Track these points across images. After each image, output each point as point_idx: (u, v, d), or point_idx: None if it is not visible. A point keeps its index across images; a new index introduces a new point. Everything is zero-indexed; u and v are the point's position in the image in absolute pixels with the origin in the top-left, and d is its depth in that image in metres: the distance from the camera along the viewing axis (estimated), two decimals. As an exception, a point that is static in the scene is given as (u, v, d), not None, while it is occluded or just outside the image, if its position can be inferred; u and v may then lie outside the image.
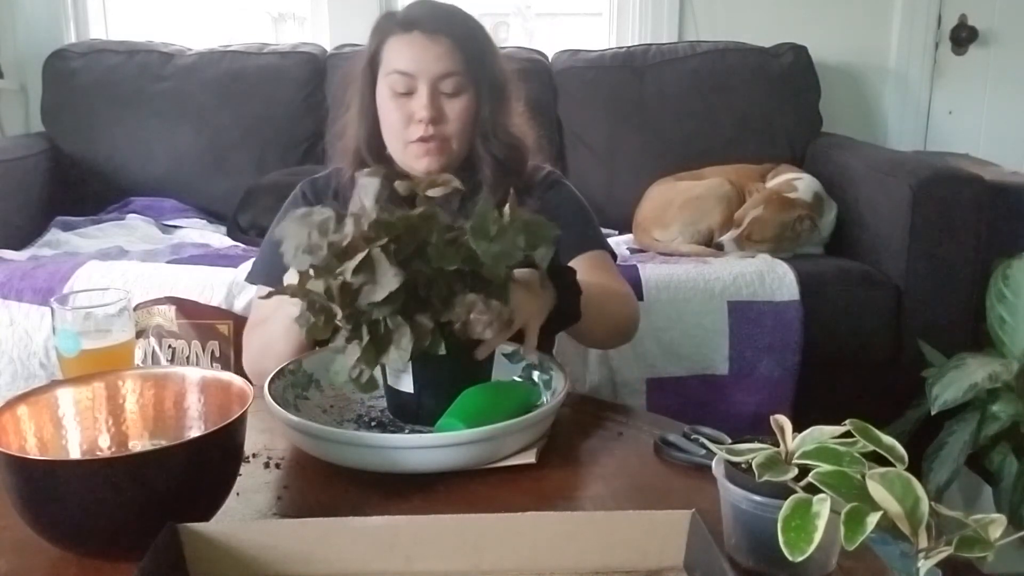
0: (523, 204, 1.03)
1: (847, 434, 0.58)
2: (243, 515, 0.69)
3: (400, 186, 0.81)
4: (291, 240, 0.75)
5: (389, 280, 0.71)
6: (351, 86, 1.10)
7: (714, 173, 1.98)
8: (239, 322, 1.44)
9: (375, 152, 1.08)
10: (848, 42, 2.34)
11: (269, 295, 0.79)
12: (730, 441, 0.68)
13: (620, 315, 1.07)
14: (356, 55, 1.11)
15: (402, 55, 1.03)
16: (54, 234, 1.91)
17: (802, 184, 1.87)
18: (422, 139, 1.03)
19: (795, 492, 0.54)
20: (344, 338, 0.75)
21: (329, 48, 2.24)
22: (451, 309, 0.75)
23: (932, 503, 0.52)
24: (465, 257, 0.75)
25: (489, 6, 2.54)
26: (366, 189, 0.76)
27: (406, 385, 0.81)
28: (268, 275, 1.05)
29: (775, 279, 1.60)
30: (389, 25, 1.06)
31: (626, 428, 0.87)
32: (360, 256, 0.71)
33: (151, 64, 2.15)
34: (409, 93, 1.03)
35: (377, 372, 0.80)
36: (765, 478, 0.57)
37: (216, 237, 1.92)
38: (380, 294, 0.71)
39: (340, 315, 0.73)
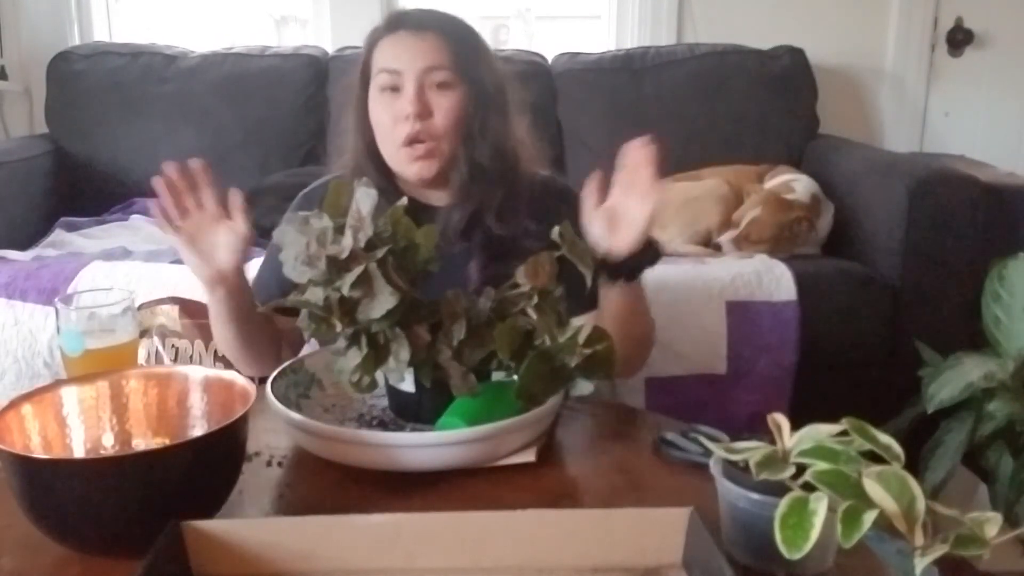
0: (521, 211, 1.03)
1: (844, 433, 0.58)
2: (246, 513, 0.70)
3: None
4: (290, 249, 0.75)
5: (386, 298, 0.71)
6: (347, 100, 1.08)
7: (712, 174, 1.98)
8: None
9: (375, 164, 1.05)
10: (845, 44, 2.34)
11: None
12: (728, 440, 0.69)
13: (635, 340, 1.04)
14: (351, 67, 1.10)
15: (388, 52, 1.02)
16: (58, 235, 1.92)
17: (800, 185, 1.88)
18: (411, 139, 1.01)
19: (792, 490, 0.55)
20: (344, 344, 0.76)
21: (331, 50, 2.25)
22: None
23: (928, 501, 0.52)
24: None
25: (489, 9, 2.55)
26: (363, 200, 0.76)
27: (407, 385, 0.81)
28: (261, 292, 1.07)
29: (772, 279, 1.61)
30: (377, 31, 1.05)
31: (625, 427, 0.87)
32: (358, 271, 0.72)
33: (154, 66, 2.15)
34: (396, 90, 1.01)
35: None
36: (762, 476, 0.57)
37: (218, 238, 1.92)
38: (378, 311, 0.72)
39: (339, 327, 0.74)
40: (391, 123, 1.02)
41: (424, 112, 1.00)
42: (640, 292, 0.98)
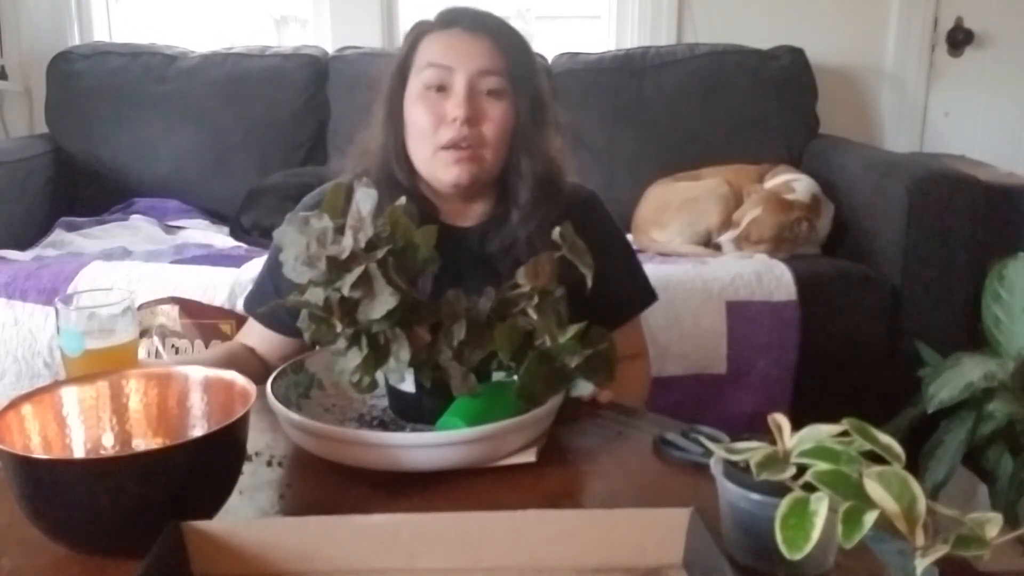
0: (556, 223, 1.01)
1: (844, 433, 0.58)
2: (246, 513, 0.70)
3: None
4: (290, 249, 0.75)
5: (387, 298, 0.71)
6: (377, 95, 1.00)
7: (712, 174, 1.99)
8: (242, 321, 1.44)
9: (402, 165, 0.99)
10: (845, 44, 2.34)
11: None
12: (728, 440, 0.69)
13: (634, 394, 1.04)
14: (382, 61, 1.03)
15: (439, 47, 0.95)
16: (58, 235, 1.92)
17: (800, 185, 1.88)
18: (455, 144, 0.93)
19: (793, 491, 0.55)
20: (344, 345, 0.76)
21: (331, 50, 2.25)
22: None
23: (929, 501, 0.52)
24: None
25: (489, 9, 2.55)
26: (363, 200, 0.75)
27: (407, 385, 0.81)
28: (258, 302, 1.06)
29: (772, 279, 1.61)
30: (426, 25, 0.99)
31: (625, 427, 0.87)
32: (358, 271, 0.71)
33: (154, 66, 2.16)
34: (443, 89, 0.94)
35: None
36: (763, 477, 0.57)
37: (219, 237, 1.93)
38: (378, 311, 0.71)
39: (339, 327, 0.74)
40: (432, 125, 0.94)
41: (475, 118, 0.93)
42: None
